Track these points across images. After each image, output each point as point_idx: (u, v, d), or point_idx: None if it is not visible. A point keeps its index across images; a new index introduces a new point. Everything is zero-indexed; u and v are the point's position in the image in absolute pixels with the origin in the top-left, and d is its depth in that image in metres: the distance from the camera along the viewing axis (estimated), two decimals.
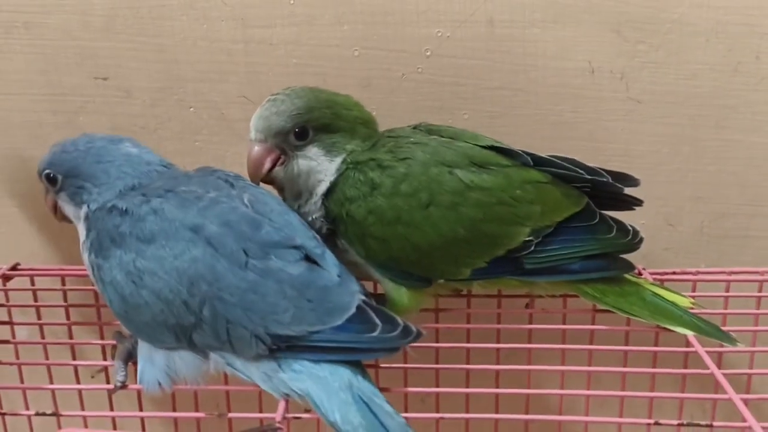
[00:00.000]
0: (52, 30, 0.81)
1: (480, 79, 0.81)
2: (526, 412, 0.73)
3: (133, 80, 0.82)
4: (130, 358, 0.66)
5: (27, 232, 0.86)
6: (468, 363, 0.74)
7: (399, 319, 0.62)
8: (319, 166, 0.68)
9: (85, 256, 0.66)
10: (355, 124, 0.69)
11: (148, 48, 0.81)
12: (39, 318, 0.80)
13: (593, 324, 0.75)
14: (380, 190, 0.66)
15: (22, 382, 0.77)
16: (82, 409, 0.79)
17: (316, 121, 0.68)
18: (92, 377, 0.90)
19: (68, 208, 0.68)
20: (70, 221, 0.70)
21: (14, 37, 0.81)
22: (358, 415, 0.57)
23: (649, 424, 0.59)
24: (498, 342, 0.75)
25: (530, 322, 0.76)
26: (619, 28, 0.78)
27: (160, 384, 0.62)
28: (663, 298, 0.70)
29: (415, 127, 0.73)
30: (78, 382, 0.80)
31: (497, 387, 0.74)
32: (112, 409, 0.81)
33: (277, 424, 0.56)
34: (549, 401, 0.85)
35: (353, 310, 0.61)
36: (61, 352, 0.84)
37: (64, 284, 0.82)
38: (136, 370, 0.64)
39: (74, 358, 0.80)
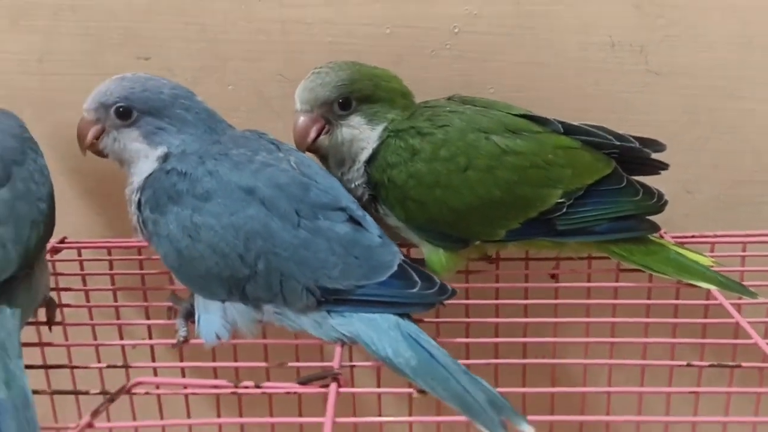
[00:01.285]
0: (97, 12, 0.84)
1: (506, 54, 0.85)
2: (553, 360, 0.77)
3: (174, 59, 0.86)
4: (190, 316, 0.70)
5: (74, 208, 0.90)
6: (497, 316, 0.78)
7: (436, 278, 0.66)
8: (362, 134, 0.72)
9: (134, 210, 0.69)
10: (394, 95, 0.73)
11: (190, 28, 0.85)
12: (84, 285, 0.83)
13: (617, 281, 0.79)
14: (420, 155, 0.70)
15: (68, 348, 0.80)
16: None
17: (359, 92, 0.72)
18: (133, 348, 0.94)
19: (134, 146, 0.69)
20: (105, 156, 0.72)
21: (61, 19, 0.84)
22: (409, 348, 0.61)
23: (679, 366, 0.63)
24: (526, 299, 0.79)
25: (556, 281, 0.81)
26: (639, 3, 0.82)
27: (217, 335, 0.66)
28: (686, 256, 0.74)
29: (449, 98, 0.77)
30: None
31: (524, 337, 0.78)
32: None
33: (337, 370, 0.60)
34: (574, 350, 0.89)
35: (395, 268, 0.65)
36: (110, 318, 0.87)
37: (110, 254, 0.86)
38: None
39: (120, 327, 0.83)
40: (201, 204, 0.64)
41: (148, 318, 0.82)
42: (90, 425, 0.55)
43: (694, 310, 0.76)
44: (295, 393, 0.59)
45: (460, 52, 0.85)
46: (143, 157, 0.70)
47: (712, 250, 0.82)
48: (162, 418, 0.83)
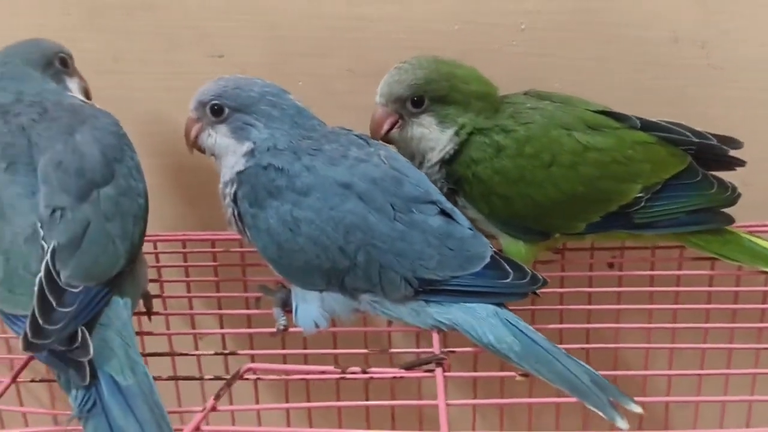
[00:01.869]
0: (171, 11, 0.86)
1: (570, 50, 0.87)
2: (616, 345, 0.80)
3: (246, 57, 0.88)
4: (285, 305, 0.72)
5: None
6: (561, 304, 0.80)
7: (527, 268, 0.69)
8: (431, 134, 0.75)
9: (228, 203, 0.72)
10: (470, 97, 0.75)
11: (261, 26, 0.87)
12: (160, 277, 0.86)
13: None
14: (505, 152, 0.73)
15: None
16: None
17: (433, 92, 0.74)
18: (200, 338, 0.96)
19: (224, 141, 0.72)
20: (202, 151, 0.75)
21: (137, 19, 0.86)
22: (510, 334, 0.64)
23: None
24: (590, 287, 0.82)
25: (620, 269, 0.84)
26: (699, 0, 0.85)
27: (315, 324, 0.68)
28: (759, 245, 0.77)
29: (525, 93, 0.79)
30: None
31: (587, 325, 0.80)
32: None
33: (441, 355, 0.63)
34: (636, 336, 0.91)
35: (488, 259, 0.68)
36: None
37: (184, 247, 0.89)
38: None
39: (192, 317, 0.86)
40: (300, 199, 0.67)
41: (219, 308, 0.84)
42: (214, 408, 0.57)
43: (754, 297, 0.79)
44: (401, 377, 0.62)
45: (526, 49, 0.87)
46: (231, 152, 0.72)
47: None
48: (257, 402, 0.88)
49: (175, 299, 0.86)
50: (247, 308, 0.82)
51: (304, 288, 0.69)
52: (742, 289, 0.79)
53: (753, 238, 0.78)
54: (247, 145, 0.71)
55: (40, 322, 0.58)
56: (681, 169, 0.76)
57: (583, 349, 0.75)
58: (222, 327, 0.85)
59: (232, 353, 0.70)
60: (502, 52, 0.87)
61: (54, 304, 0.59)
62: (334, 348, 0.78)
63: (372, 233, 0.66)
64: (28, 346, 0.58)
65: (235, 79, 0.73)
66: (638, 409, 0.57)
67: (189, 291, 0.87)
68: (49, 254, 0.61)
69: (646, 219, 0.75)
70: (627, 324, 0.78)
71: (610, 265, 0.87)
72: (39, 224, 0.62)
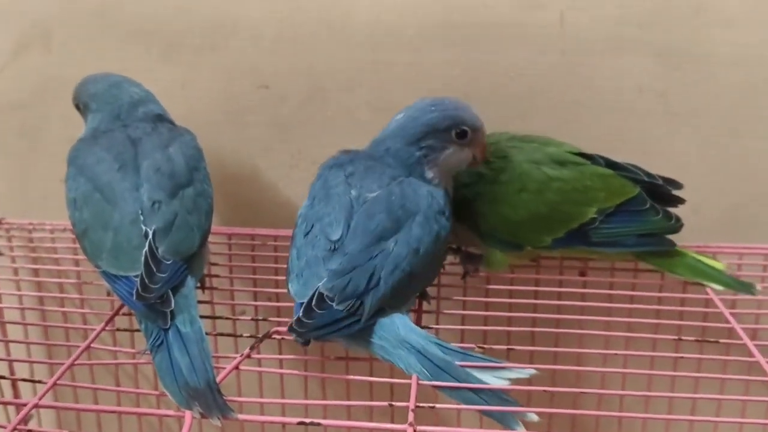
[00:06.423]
0: (230, 51, 1.06)
1: (552, 94, 1.05)
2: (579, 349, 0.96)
3: (287, 89, 1.07)
4: None
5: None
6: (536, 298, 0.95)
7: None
8: None
9: None
10: None
11: (300, 65, 1.06)
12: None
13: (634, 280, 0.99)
14: (485, 179, 0.91)
15: None
16: None
17: None
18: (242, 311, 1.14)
19: None
20: None
21: (202, 57, 1.06)
22: (417, 362, 0.72)
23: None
24: (558, 299, 0.97)
25: (584, 287, 0.99)
26: (660, 53, 1.02)
27: None
28: (702, 262, 0.94)
29: (512, 137, 0.96)
30: None
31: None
32: None
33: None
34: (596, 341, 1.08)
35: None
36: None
37: (230, 240, 1.09)
38: None
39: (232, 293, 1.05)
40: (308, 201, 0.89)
41: (255, 286, 1.03)
42: (249, 356, 0.77)
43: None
44: None
45: (515, 92, 1.05)
46: None
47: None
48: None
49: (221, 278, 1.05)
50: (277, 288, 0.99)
51: None
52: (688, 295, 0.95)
53: (698, 257, 0.92)
54: None
55: (147, 282, 0.78)
56: (631, 196, 0.91)
57: (552, 333, 0.90)
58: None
59: (265, 319, 0.89)
60: (495, 93, 1.05)
61: (155, 270, 0.78)
62: None
63: None
64: (138, 297, 0.77)
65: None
66: (536, 419, 0.65)
67: (231, 272, 1.07)
68: (151, 234, 0.80)
69: (601, 237, 0.91)
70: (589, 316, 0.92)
71: (581, 274, 1.05)
72: (140, 212, 0.82)
